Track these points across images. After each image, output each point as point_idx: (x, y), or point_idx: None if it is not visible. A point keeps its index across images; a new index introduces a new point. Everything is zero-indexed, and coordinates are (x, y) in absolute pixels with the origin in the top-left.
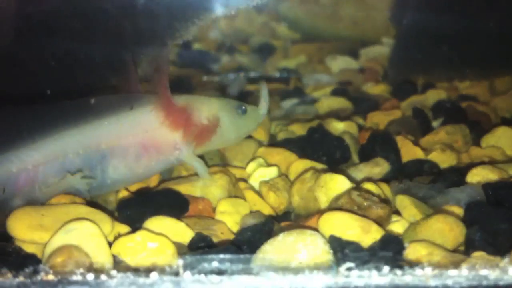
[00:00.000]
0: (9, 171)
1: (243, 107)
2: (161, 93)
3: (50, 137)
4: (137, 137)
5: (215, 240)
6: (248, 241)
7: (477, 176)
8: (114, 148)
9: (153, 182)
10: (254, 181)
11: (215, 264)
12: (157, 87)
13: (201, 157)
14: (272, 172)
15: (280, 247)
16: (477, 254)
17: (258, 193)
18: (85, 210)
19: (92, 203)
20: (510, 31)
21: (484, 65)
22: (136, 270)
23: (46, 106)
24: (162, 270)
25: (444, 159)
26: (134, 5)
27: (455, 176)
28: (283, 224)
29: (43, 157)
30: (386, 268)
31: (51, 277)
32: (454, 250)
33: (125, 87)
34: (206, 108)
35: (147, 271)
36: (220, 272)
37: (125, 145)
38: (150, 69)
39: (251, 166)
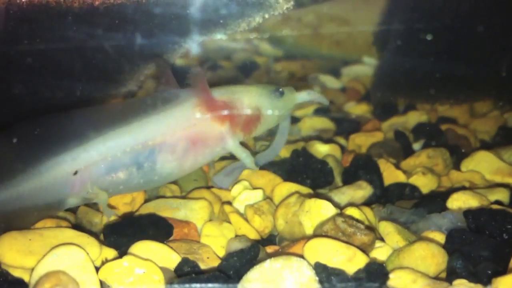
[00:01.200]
0: (65, 173)
1: (280, 90)
2: (200, 88)
3: (99, 137)
4: (184, 132)
5: (201, 265)
6: (235, 267)
7: (458, 201)
8: (162, 144)
9: (137, 203)
10: (239, 204)
11: None
12: (195, 82)
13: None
14: (257, 195)
15: (266, 275)
16: (459, 281)
17: (243, 217)
18: (72, 234)
19: (78, 227)
20: (491, 55)
21: (464, 88)
22: None
23: (94, 108)
24: None
25: (425, 183)
26: None
27: (436, 201)
28: (268, 249)
29: (94, 157)
30: None
31: None
32: (436, 277)
33: (164, 84)
34: (247, 97)
35: None
36: None
37: (172, 140)
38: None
39: (236, 188)
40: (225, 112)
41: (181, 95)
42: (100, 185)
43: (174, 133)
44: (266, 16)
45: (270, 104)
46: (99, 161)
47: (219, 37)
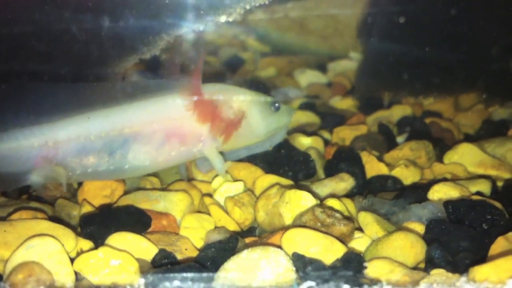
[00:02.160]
0: (31, 145)
1: (277, 104)
2: (193, 82)
3: (75, 116)
4: (161, 125)
5: (179, 256)
6: (212, 258)
7: (439, 192)
8: (137, 133)
9: (116, 195)
10: (220, 196)
11: (176, 283)
12: (189, 75)
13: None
14: (238, 187)
15: (242, 265)
16: (436, 271)
17: (223, 209)
18: (48, 226)
19: (55, 218)
20: (476, 48)
21: (449, 81)
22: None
23: (77, 85)
24: None
25: (407, 175)
26: None
27: (418, 192)
28: (247, 240)
29: (65, 135)
30: (346, 287)
31: None
32: (415, 268)
33: (167, 71)
34: (237, 102)
35: None
36: None
37: (148, 131)
38: (182, 56)
39: (217, 181)
40: (208, 112)
41: (170, 85)
42: (67, 165)
43: (152, 123)
44: (247, 7)
45: (260, 116)
46: (71, 140)
47: (201, 28)
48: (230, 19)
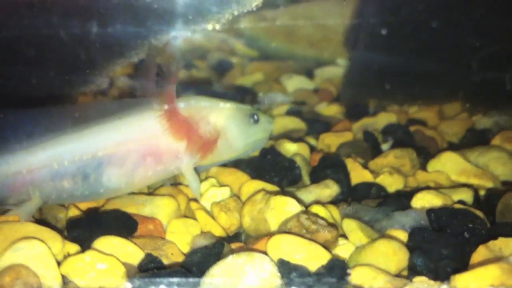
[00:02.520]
0: (5, 173)
1: (256, 116)
2: (167, 98)
3: (48, 141)
4: (136, 145)
5: (165, 261)
6: (198, 263)
7: (422, 200)
8: (111, 156)
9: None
10: (206, 201)
11: (163, 287)
12: (163, 92)
13: None
14: (224, 192)
15: (228, 270)
16: (419, 279)
17: (210, 214)
18: (34, 228)
19: (41, 221)
20: (459, 58)
21: (433, 91)
22: None
23: (47, 109)
24: None
25: (391, 183)
26: None
27: (401, 200)
28: (233, 246)
29: (38, 162)
30: None
31: None
32: (398, 275)
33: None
34: (214, 116)
35: None
36: None
37: (122, 153)
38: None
39: (204, 186)
40: (184, 129)
41: (145, 104)
42: (42, 191)
43: (126, 144)
44: (236, 13)
45: (239, 130)
46: (44, 166)
47: (188, 33)
48: (218, 26)
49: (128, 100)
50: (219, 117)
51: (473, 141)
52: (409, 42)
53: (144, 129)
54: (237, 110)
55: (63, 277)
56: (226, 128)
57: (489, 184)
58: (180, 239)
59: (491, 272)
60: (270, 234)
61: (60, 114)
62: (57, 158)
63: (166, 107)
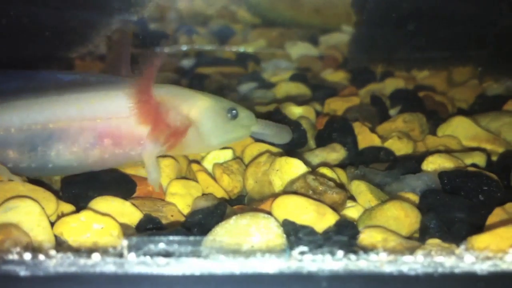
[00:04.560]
0: None
1: (234, 111)
2: (144, 79)
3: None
4: (92, 123)
5: (164, 222)
6: (199, 224)
7: (433, 164)
8: (63, 130)
9: None
10: (208, 163)
11: (162, 246)
12: (142, 71)
13: None
14: (226, 154)
15: (232, 230)
16: (432, 241)
17: (212, 176)
18: (28, 188)
19: (36, 181)
20: (474, 14)
21: (445, 52)
22: (77, 251)
23: (13, 72)
24: (105, 251)
25: (400, 147)
26: None
27: (411, 163)
28: (236, 207)
29: None
30: (340, 253)
31: None
32: (409, 237)
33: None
34: (187, 106)
35: (90, 252)
36: (167, 254)
37: (76, 129)
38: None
39: None
40: (151, 114)
41: (117, 81)
42: None
43: (81, 121)
44: None
45: (213, 125)
46: None
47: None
48: None
49: (103, 75)
50: (193, 108)
51: (484, 107)
52: (417, 6)
53: (105, 107)
54: (213, 103)
55: (57, 237)
56: (199, 121)
57: (501, 150)
58: (181, 201)
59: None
60: (275, 196)
61: (25, 79)
62: (3, 124)
63: (139, 87)
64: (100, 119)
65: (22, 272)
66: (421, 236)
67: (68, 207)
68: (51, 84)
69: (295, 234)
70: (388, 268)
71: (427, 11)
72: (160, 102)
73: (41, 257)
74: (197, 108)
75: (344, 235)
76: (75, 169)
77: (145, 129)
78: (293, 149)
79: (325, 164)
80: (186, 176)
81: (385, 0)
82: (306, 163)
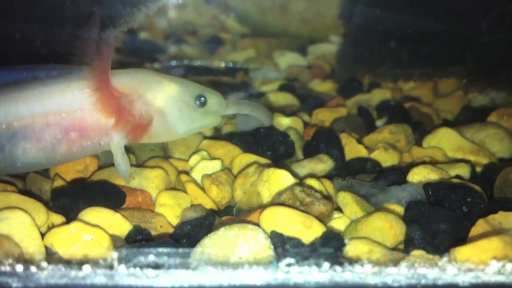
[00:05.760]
0: None
1: (203, 98)
2: (99, 69)
3: None
4: (57, 118)
5: (153, 233)
6: (188, 235)
7: (418, 175)
8: (27, 127)
9: (90, 170)
10: (197, 174)
11: (151, 257)
12: (97, 62)
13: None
14: (215, 165)
15: (220, 242)
16: (416, 252)
17: (200, 187)
18: (18, 199)
19: (25, 192)
20: (456, 31)
21: (429, 66)
22: (68, 263)
23: None
24: (95, 263)
25: (386, 158)
26: None
27: (397, 175)
28: (224, 218)
29: None
30: (326, 265)
31: None
32: (394, 248)
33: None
34: (152, 93)
35: (80, 263)
36: (156, 266)
37: (40, 125)
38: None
39: (194, 158)
40: (115, 105)
41: (76, 73)
42: None
43: (45, 117)
44: None
45: (180, 113)
46: None
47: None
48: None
49: (58, 66)
50: (158, 96)
51: (468, 118)
52: (404, 17)
53: (68, 101)
54: (180, 90)
55: (47, 248)
56: (164, 110)
57: (486, 161)
58: (170, 212)
59: (494, 245)
60: (263, 207)
61: None
62: None
63: (96, 78)
64: (65, 113)
65: (14, 284)
66: (406, 247)
67: (58, 218)
68: (12, 81)
69: (282, 245)
70: (372, 280)
71: (411, 28)
72: (122, 91)
73: (33, 268)
74: (162, 97)
75: (330, 247)
76: (45, 165)
77: (108, 119)
78: (281, 160)
79: (312, 175)
80: (175, 187)
81: (369, 15)
82: (294, 174)
